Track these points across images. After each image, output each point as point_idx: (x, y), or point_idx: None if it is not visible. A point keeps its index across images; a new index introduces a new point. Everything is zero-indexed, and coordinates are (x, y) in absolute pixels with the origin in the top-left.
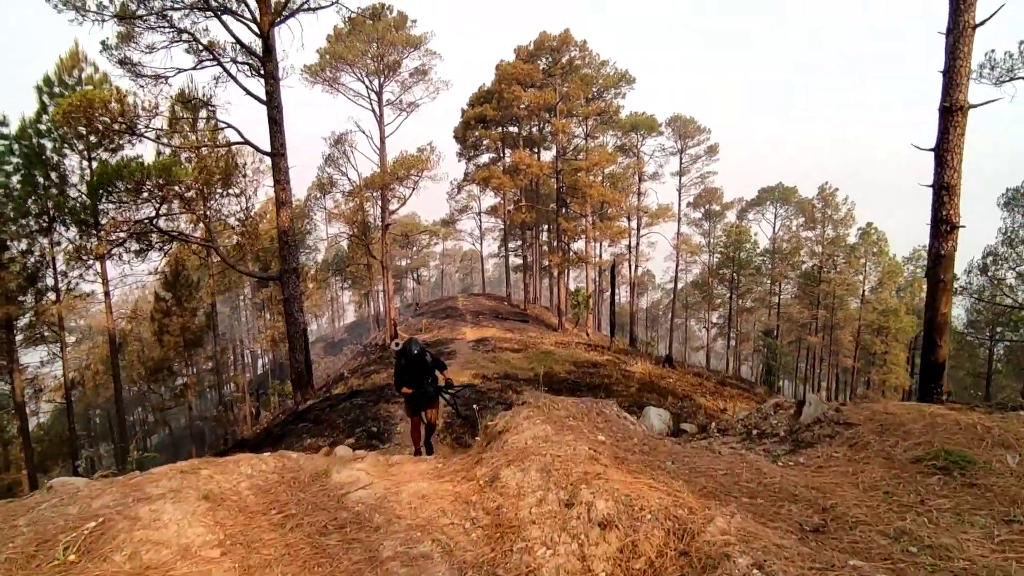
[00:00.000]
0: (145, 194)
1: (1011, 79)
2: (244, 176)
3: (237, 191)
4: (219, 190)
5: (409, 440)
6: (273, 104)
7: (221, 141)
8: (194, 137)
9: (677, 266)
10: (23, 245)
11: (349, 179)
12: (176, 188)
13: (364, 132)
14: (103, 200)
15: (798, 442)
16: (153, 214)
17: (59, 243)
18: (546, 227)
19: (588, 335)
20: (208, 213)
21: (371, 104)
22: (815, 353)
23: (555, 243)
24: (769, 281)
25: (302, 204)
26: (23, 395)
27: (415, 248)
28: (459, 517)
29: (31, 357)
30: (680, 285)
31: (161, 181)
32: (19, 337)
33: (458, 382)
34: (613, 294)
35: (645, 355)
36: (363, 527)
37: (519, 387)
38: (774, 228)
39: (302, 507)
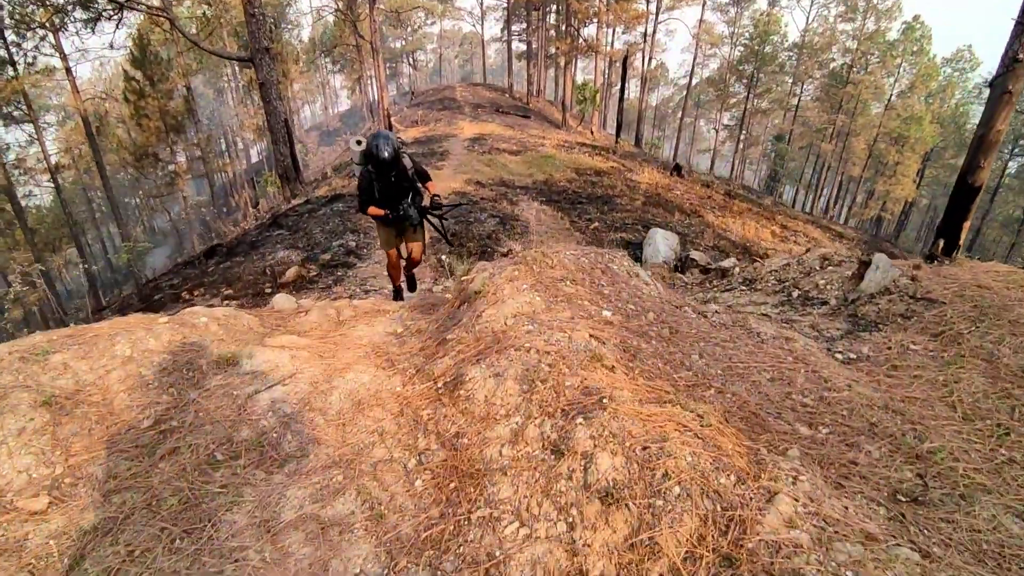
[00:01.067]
0: None
1: None
2: None
3: None
4: None
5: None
6: None
7: None
8: None
9: (695, 59)
10: None
11: None
12: None
13: None
14: None
15: (857, 319)
16: None
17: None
18: (554, 7)
19: (593, 133)
20: None
21: None
22: (824, 161)
23: (563, 27)
24: (791, 80)
25: None
26: (7, 177)
27: (410, 29)
28: (401, 447)
29: (12, 137)
30: (695, 81)
31: None
32: None
33: (449, 190)
34: (623, 90)
35: (651, 159)
36: (264, 458)
37: (515, 196)
38: (808, 18)
39: (188, 417)
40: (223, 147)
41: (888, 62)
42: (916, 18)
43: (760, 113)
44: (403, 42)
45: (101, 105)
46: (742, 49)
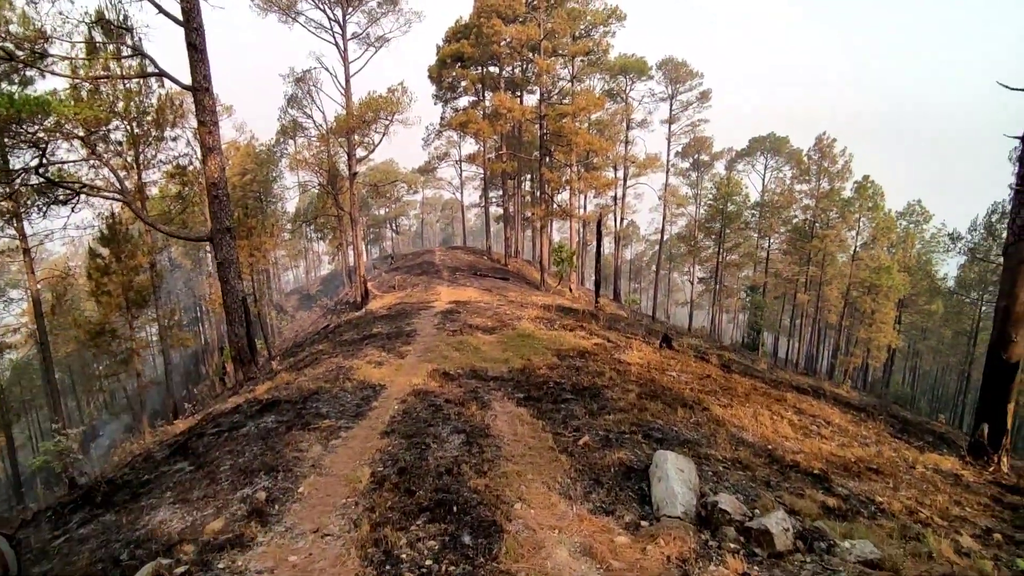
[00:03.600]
0: (21, 136)
1: None
2: (181, 117)
3: (173, 135)
4: (153, 132)
5: (313, 523)
6: (192, 26)
7: (136, 72)
8: (117, 69)
9: (664, 218)
10: None
11: (315, 122)
12: (71, 128)
13: (328, 69)
14: None
15: None
16: (35, 162)
17: None
18: (529, 177)
19: (572, 291)
20: (140, 160)
21: (334, 37)
22: (802, 309)
23: (538, 194)
24: (757, 235)
25: (266, 150)
26: None
27: (393, 197)
28: None
29: None
30: (666, 237)
31: (40, 121)
32: None
33: (409, 386)
34: (599, 251)
35: (636, 325)
36: None
37: (487, 394)
38: (764, 180)
39: None
40: (197, 314)
41: (847, 218)
42: (866, 178)
43: (733, 266)
44: (387, 209)
45: (62, 283)
46: (707, 208)
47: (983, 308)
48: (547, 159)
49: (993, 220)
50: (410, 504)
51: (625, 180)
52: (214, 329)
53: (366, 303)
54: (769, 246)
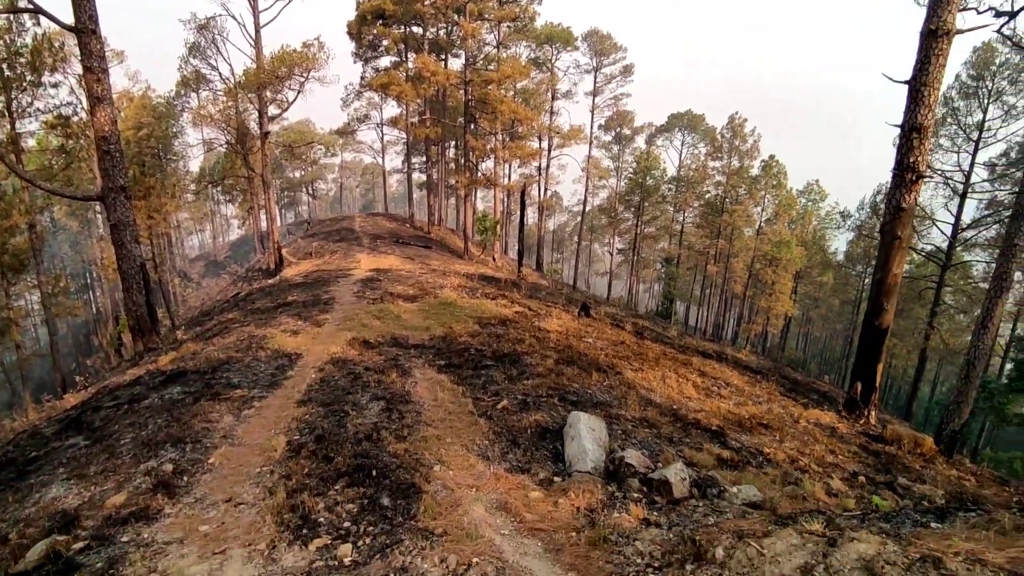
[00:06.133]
0: None
1: None
2: (63, 61)
3: (53, 81)
4: (28, 76)
5: (225, 493)
6: None
7: (5, 6)
8: None
9: (587, 190)
10: None
11: (221, 75)
12: None
13: (235, 17)
14: None
15: None
16: None
17: None
18: (453, 143)
19: (495, 260)
20: (13, 108)
21: None
22: (712, 280)
23: (462, 162)
24: (673, 209)
25: (165, 103)
26: None
27: (309, 160)
28: None
29: None
30: (588, 208)
31: None
32: None
33: (328, 355)
34: (522, 221)
35: (557, 294)
36: None
37: (408, 361)
38: (680, 156)
39: None
40: (87, 281)
41: (754, 194)
42: (772, 157)
43: (650, 238)
44: (303, 172)
45: None
46: (627, 182)
47: (866, 280)
48: (472, 126)
49: (878, 200)
50: (328, 470)
51: (549, 151)
52: (107, 297)
53: (280, 270)
54: (684, 220)
